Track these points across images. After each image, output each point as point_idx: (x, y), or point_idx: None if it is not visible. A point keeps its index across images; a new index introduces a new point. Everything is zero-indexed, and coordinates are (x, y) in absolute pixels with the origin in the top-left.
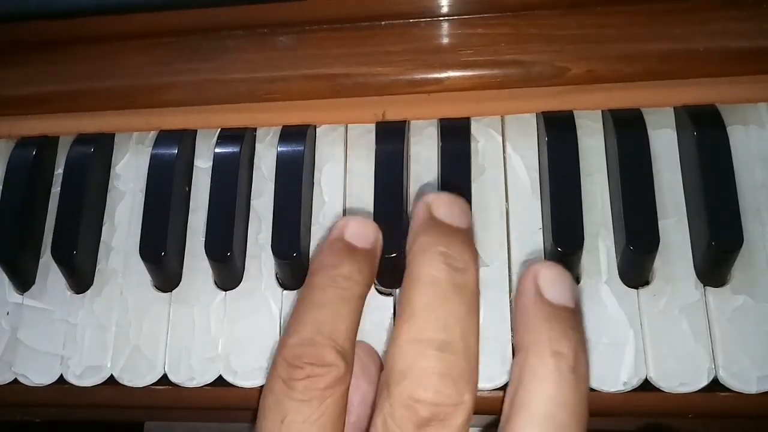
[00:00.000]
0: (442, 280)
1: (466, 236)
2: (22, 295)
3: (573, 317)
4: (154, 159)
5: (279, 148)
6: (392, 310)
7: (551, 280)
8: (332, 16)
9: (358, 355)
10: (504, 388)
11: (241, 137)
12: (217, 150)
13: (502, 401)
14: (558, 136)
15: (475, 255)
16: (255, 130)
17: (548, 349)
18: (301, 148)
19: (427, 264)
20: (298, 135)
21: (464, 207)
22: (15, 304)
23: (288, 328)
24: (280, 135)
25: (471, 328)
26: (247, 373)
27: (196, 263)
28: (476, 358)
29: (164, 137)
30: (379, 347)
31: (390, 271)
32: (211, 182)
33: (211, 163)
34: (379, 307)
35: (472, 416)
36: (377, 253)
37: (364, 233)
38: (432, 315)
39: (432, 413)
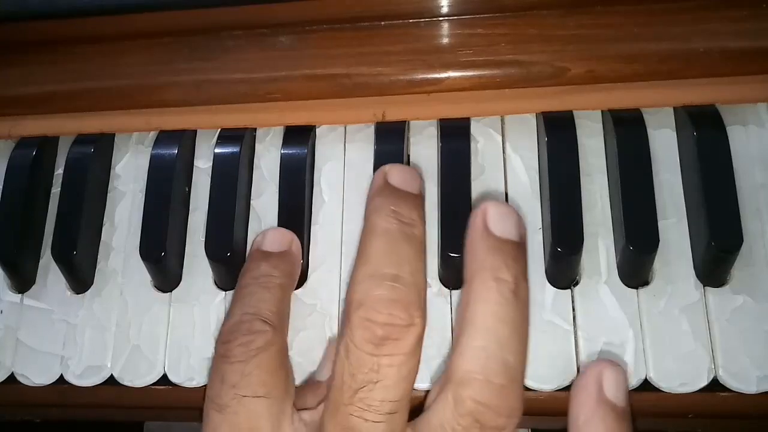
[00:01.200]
0: (393, 230)
1: (416, 200)
2: (19, 294)
3: (516, 249)
4: (154, 159)
5: (282, 151)
6: None
7: (498, 215)
8: (332, 16)
9: None
10: None
11: (240, 137)
12: (217, 150)
13: None
14: (558, 136)
15: (422, 216)
16: (255, 130)
17: (491, 275)
18: (300, 148)
19: (381, 218)
20: (297, 135)
21: (416, 175)
22: (9, 303)
23: (223, 322)
24: (284, 137)
25: (419, 268)
26: None
27: (196, 263)
28: (424, 293)
29: (164, 137)
30: None
31: None
32: (210, 182)
33: (210, 164)
34: None
35: (422, 340)
36: (295, 254)
37: (278, 240)
38: (385, 256)
39: (386, 332)
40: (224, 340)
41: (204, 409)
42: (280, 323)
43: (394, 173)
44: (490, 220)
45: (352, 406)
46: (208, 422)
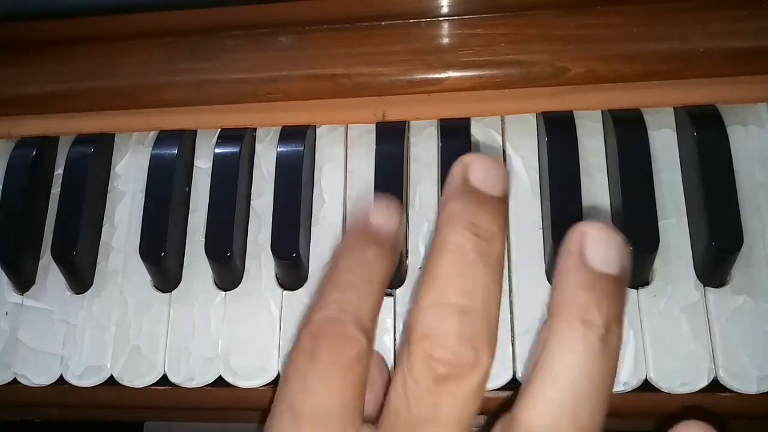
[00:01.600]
0: (467, 248)
1: (497, 205)
2: (22, 295)
3: (614, 285)
4: (154, 159)
5: (279, 149)
6: (393, 311)
7: (598, 242)
8: (332, 16)
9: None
10: (504, 388)
11: (240, 137)
12: (217, 150)
13: (503, 401)
14: (558, 136)
15: (504, 225)
16: (255, 130)
17: (578, 316)
18: (300, 148)
19: (454, 232)
20: (298, 135)
21: (501, 172)
22: (14, 304)
23: (313, 306)
24: (280, 135)
25: (493, 296)
26: (247, 373)
27: (196, 263)
28: (496, 325)
29: (164, 137)
30: (381, 341)
31: None
32: (210, 183)
33: (210, 164)
34: None
35: (487, 379)
36: (399, 240)
37: (390, 215)
38: (455, 280)
39: (449, 372)
40: (315, 333)
41: (275, 404)
42: (374, 333)
43: (477, 169)
44: (588, 248)
45: None
46: (278, 423)
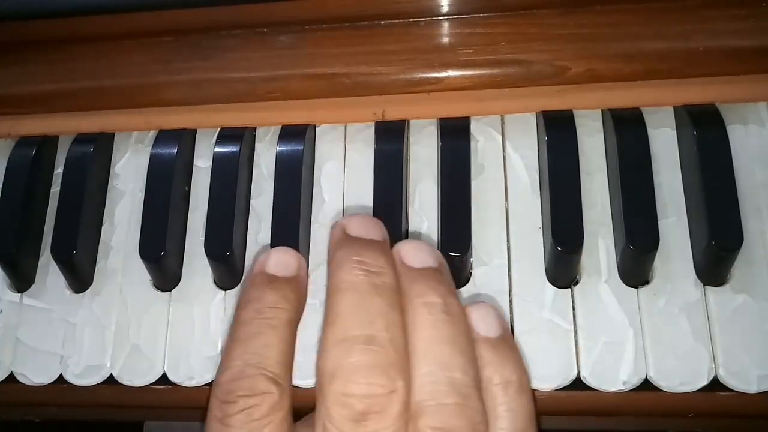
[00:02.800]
0: (359, 282)
1: (380, 246)
2: (19, 293)
3: (436, 273)
4: (153, 158)
5: (278, 148)
6: None
7: (411, 250)
8: (332, 15)
9: None
10: None
11: (240, 136)
12: (217, 149)
13: None
14: (558, 135)
15: (391, 260)
16: (254, 129)
17: (420, 302)
18: (300, 147)
19: (344, 271)
20: (298, 134)
21: (377, 223)
22: (9, 302)
23: (219, 367)
24: (280, 134)
25: (395, 322)
26: None
27: (196, 263)
28: (404, 349)
29: (164, 136)
30: None
31: None
32: (210, 182)
33: (210, 163)
34: None
35: (408, 403)
36: (303, 279)
37: (286, 262)
38: (354, 314)
39: (367, 405)
40: (223, 397)
41: None
42: (287, 376)
43: (353, 223)
44: (405, 256)
45: None
46: None
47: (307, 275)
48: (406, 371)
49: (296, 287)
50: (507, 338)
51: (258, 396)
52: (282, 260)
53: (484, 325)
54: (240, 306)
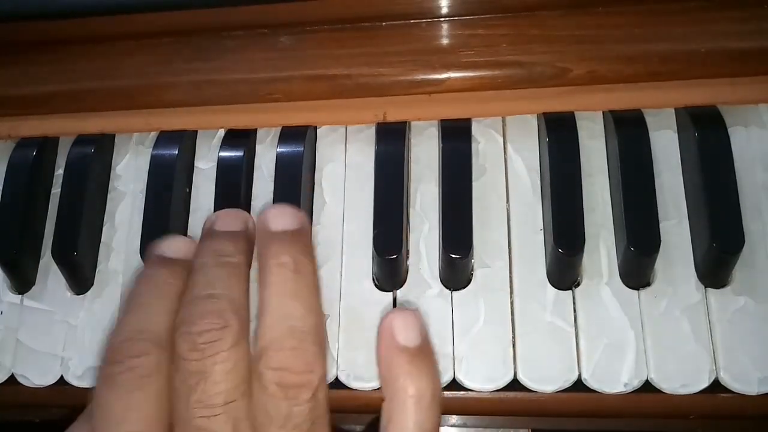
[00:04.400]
0: (208, 263)
1: (232, 235)
2: (19, 295)
3: (291, 236)
4: (154, 160)
5: (279, 149)
6: (392, 305)
7: (272, 216)
8: (333, 16)
9: None
10: (505, 389)
11: (243, 138)
12: (222, 153)
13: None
14: (559, 137)
15: (241, 246)
16: (255, 130)
17: (273, 262)
18: (300, 148)
19: (200, 257)
20: (299, 136)
21: (239, 214)
22: (9, 304)
23: (110, 333)
24: (280, 135)
25: (233, 285)
26: None
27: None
28: (241, 303)
29: (165, 138)
30: None
31: (390, 272)
32: (215, 185)
33: (211, 164)
34: (378, 302)
35: (241, 336)
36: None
37: (178, 246)
38: (200, 282)
39: (205, 338)
40: (111, 358)
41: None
42: (170, 341)
43: (219, 220)
44: (267, 222)
45: (191, 410)
46: None
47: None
48: (241, 315)
49: (185, 267)
50: (425, 349)
51: (144, 357)
52: (174, 244)
53: (404, 333)
54: (135, 282)
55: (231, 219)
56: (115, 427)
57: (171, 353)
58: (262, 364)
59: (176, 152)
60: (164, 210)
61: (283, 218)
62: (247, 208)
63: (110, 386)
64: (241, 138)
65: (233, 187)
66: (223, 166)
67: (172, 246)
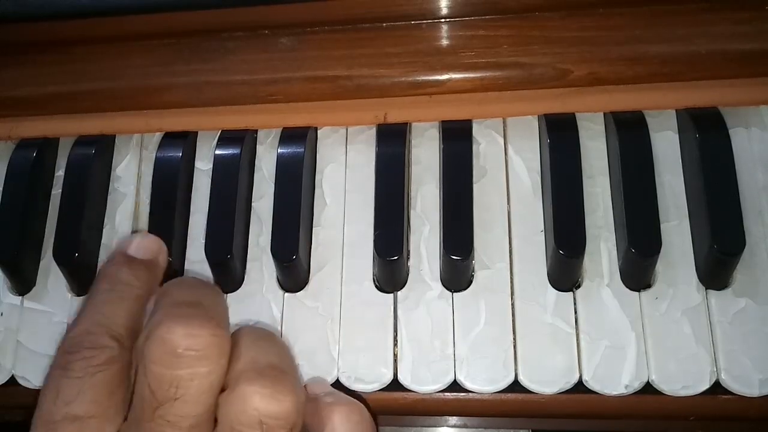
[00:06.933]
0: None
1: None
2: (20, 296)
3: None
4: (155, 161)
5: (279, 150)
6: (393, 307)
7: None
8: (333, 17)
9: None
10: (506, 391)
11: (241, 139)
12: (217, 152)
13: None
14: (560, 138)
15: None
16: (256, 131)
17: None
18: (301, 149)
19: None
20: (299, 137)
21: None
22: (10, 305)
23: (69, 326)
24: (281, 137)
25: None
26: None
27: (197, 265)
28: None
29: (168, 140)
30: (381, 342)
31: (391, 274)
32: (211, 185)
33: (211, 165)
34: (379, 303)
35: (222, 355)
36: (160, 263)
37: (147, 246)
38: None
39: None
40: (67, 349)
41: (33, 421)
42: (129, 339)
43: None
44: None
45: (152, 422)
46: None
47: (166, 262)
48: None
49: (151, 269)
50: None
51: (99, 349)
52: (143, 244)
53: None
54: (97, 279)
55: (144, 246)
56: (62, 407)
57: (128, 350)
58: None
59: (180, 154)
60: (164, 211)
61: (133, 247)
62: (247, 210)
63: (63, 371)
64: (239, 139)
65: (229, 189)
66: (219, 166)
67: (142, 246)
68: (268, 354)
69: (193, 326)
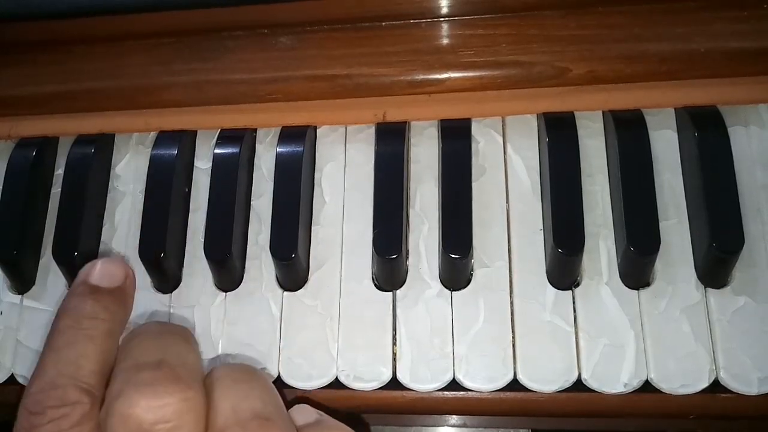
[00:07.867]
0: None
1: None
2: (19, 295)
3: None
4: (153, 159)
5: (278, 149)
6: (392, 305)
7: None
8: (333, 16)
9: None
10: (505, 389)
11: (240, 138)
12: (217, 151)
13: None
14: (558, 136)
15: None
16: (255, 130)
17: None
18: (300, 148)
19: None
20: (298, 135)
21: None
22: (9, 304)
23: (31, 376)
24: (280, 135)
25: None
26: None
27: (196, 264)
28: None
29: (164, 138)
30: (380, 340)
31: (390, 272)
32: (210, 183)
33: (210, 164)
34: (378, 301)
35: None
36: (127, 290)
37: (111, 273)
38: (145, 347)
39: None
40: (31, 408)
41: None
42: (100, 387)
43: (94, 272)
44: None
45: None
46: None
47: (134, 286)
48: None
49: (119, 298)
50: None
51: (68, 406)
52: (107, 270)
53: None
54: (58, 315)
55: (107, 272)
56: None
57: (99, 400)
58: None
59: (176, 152)
60: (163, 210)
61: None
62: (247, 209)
63: None
64: (238, 137)
65: (228, 187)
66: (218, 165)
67: (106, 272)
68: (249, 398)
69: (159, 394)
